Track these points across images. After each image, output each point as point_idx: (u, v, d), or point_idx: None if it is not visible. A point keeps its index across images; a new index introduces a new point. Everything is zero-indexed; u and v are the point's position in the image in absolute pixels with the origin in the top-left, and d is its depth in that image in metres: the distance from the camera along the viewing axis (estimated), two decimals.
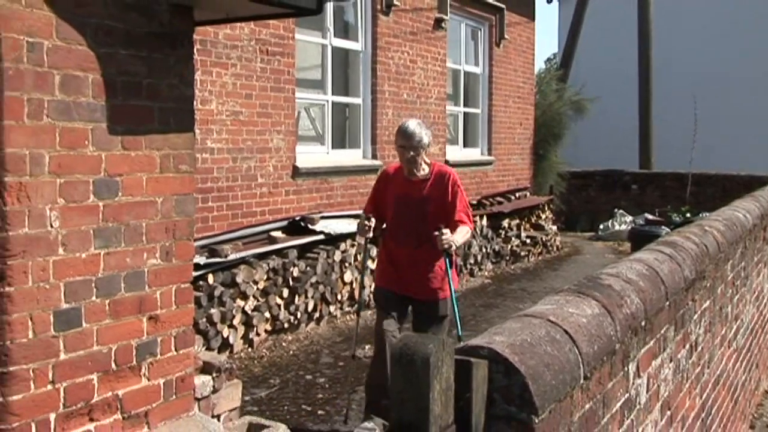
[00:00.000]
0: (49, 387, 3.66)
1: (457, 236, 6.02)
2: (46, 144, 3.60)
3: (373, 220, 6.20)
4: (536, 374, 2.04)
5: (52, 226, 3.64)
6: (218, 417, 4.99)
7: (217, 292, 8.04)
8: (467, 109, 15.36)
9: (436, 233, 5.86)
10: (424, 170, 6.23)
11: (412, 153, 6.08)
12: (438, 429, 1.86)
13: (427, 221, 6.06)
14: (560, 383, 2.14)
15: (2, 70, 3.41)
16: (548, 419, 2.09)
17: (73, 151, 3.71)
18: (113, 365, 3.95)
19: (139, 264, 4.05)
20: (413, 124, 6.19)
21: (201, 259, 7.71)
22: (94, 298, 3.84)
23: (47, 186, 3.61)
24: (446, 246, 5.89)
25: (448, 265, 6.14)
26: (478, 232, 13.24)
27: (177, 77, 4.21)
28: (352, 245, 10.12)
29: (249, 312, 8.50)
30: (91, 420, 3.87)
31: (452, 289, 6.16)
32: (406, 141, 6.09)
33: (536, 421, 2.01)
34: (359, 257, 10.21)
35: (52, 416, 3.69)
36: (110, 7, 3.85)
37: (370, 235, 6.31)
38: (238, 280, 8.29)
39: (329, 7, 10.67)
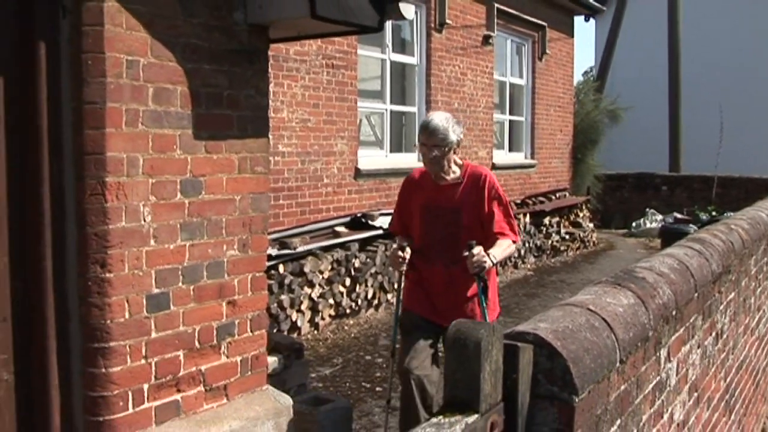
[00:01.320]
0: (143, 361, 3.74)
1: (495, 252, 4.53)
2: (141, 148, 3.67)
3: (408, 250, 4.72)
4: (577, 358, 2.04)
5: (145, 221, 3.71)
6: (288, 391, 5.03)
7: (287, 281, 8.09)
8: (512, 117, 15.27)
9: (466, 253, 4.46)
10: (454, 173, 4.74)
11: (435, 152, 4.59)
12: (487, 406, 1.87)
13: (460, 235, 4.61)
14: (598, 366, 2.15)
15: (105, 85, 3.49)
16: (587, 399, 2.09)
17: (164, 154, 3.78)
18: (197, 344, 4.02)
19: (220, 255, 4.11)
20: (438, 118, 4.69)
21: (273, 251, 7.77)
22: (180, 284, 3.90)
23: (141, 185, 3.68)
24: (476, 268, 4.46)
25: (480, 291, 4.63)
26: (522, 228, 13.17)
27: (254, 89, 4.25)
28: None
29: (315, 298, 8.54)
30: (178, 391, 3.93)
31: (486, 321, 4.29)
32: (427, 138, 4.61)
33: (576, 400, 2.01)
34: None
35: (146, 386, 3.76)
36: (197, 28, 3.91)
37: (404, 268, 4.83)
38: (306, 269, 8.33)
39: (388, 25, 10.68)
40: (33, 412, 3.61)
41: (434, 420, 1.84)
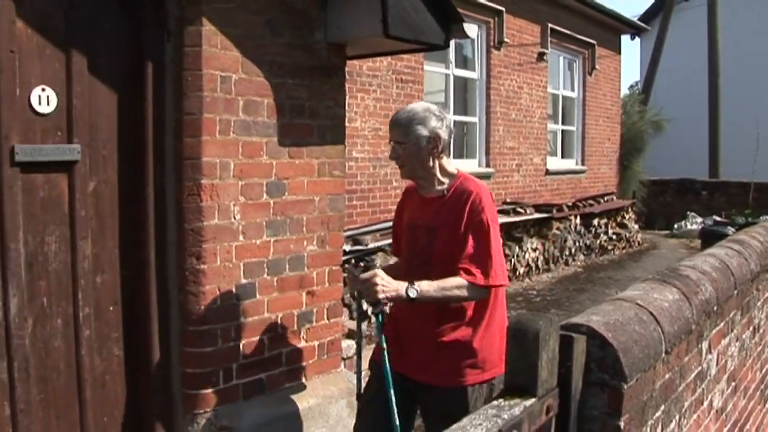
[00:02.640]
0: (232, 343, 3.80)
1: (425, 286, 2.98)
2: (232, 154, 3.72)
3: (382, 276, 3.01)
4: (626, 348, 2.02)
5: (234, 219, 3.76)
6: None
7: None
8: (564, 127, 15.10)
9: (356, 271, 3.21)
10: (441, 183, 3.22)
11: (399, 151, 3.22)
12: (544, 391, 1.87)
13: (432, 262, 3.14)
14: (645, 356, 2.12)
15: (202, 98, 3.56)
16: (635, 386, 2.07)
17: (252, 159, 3.82)
18: (279, 329, 4.06)
19: (300, 250, 4.14)
20: (407, 108, 3.28)
21: (346, 247, 7.81)
22: (265, 275, 3.95)
23: (232, 187, 3.73)
24: (368, 299, 3.06)
25: (377, 329, 3.28)
26: (573, 229, 13.02)
27: (332, 100, 4.28)
28: None
29: None
30: (263, 370, 3.98)
31: (385, 360, 3.08)
32: (390, 131, 3.30)
33: (625, 387, 2.00)
34: None
35: (234, 365, 3.82)
36: (282, 47, 3.95)
37: (382, 296, 2.98)
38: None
39: (452, 43, 10.67)
40: (138, 384, 3.69)
41: (495, 403, 1.84)
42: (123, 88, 3.55)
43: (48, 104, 3.24)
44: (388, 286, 2.98)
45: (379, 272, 3.03)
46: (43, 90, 3.23)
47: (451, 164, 3.28)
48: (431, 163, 3.21)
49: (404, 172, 3.31)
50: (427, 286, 2.98)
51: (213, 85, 3.61)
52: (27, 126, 3.17)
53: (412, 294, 2.96)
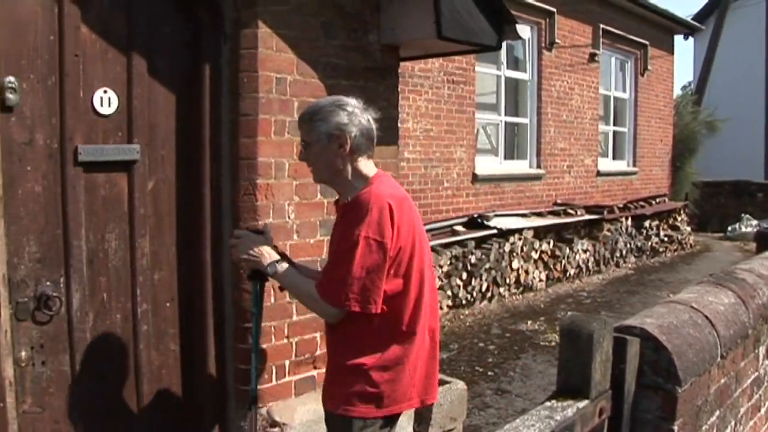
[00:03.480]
0: (285, 340, 3.82)
1: (288, 272, 2.84)
2: (287, 154, 3.74)
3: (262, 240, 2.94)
4: (680, 352, 2.00)
5: (289, 218, 3.78)
6: None
7: None
8: (616, 128, 14.91)
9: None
10: (354, 189, 2.74)
11: (303, 151, 2.85)
12: (597, 393, 1.85)
13: None
14: (700, 360, 2.09)
15: (258, 99, 3.59)
16: (689, 390, 2.04)
17: None
18: None
19: None
20: (315, 102, 2.91)
21: None
22: None
23: (286, 187, 3.75)
24: (233, 255, 2.99)
25: (253, 303, 3.14)
26: (624, 231, 12.85)
27: (385, 101, 4.27)
28: (520, 239, 10.03)
29: None
30: (315, 368, 3.99)
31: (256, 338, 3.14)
32: (299, 130, 2.88)
33: (679, 391, 1.97)
34: (525, 248, 10.12)
35: (287, 362, 3.84)
36: (336, 49, 3.96)
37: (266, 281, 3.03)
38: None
39: (504, 44, 10.64)
40: (193, 379, 3.73)
41: (547, 404, 1.83)
42: (181, 89, 3.60)
43: (110, 106, 3.31)
44: (256, 252, 2.87)
45: (258, 238, 2.94)
46: (105, 92, 3.30)
47: (370, 167, 2.80)
48: (340, 166, 2.74)
49: (314, 176, 2.96)
50: (288, 275, 2.85)
51: (268, 87, 3.64)
52: (90, 127, 3.24)
53: (270, 270, 2.85)
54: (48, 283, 3.13)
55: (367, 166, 2.79)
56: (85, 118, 3.23)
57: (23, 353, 3.09)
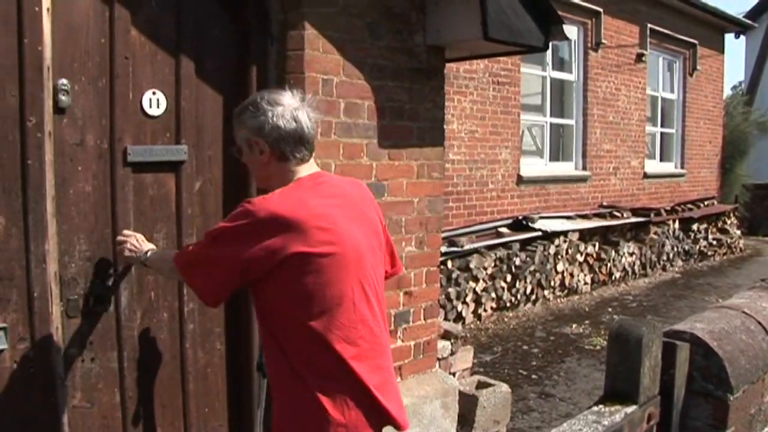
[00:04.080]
0: None
1: (152, 254, 2.87)
2: (333, 155, 3.77)
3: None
4: (732, 358, 1.97)
5: None
6: (454, 374, 5.04)
7: (454, 275, 8.13)
8: (663, 129, 14.71)
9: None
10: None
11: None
12: (645, 398, 1.84)
13: None
14: (753, 367, 2.06)
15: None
16: (742, 398, 2.01)
17: (352, 160, 3.86)
18: None
19: (399, 250, 4.12)
20: (249, 98, 2.61)
21: (442, 248, 7.82)
22: None
23: None
24: (119, 253, 3.03)
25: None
26: (671, 234, 12.68)
27: (431, 103, 4.28)
28: (565, 241, 9.96)
29: (479, 292, 8.53)
30: None
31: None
32: None
33: (731, 398, 1.94)
34: (570, 251, 10.05)
35: None
36: (382, 50, 3.98)
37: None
38: (471, 266, 8.33)
39: (550, 44, 10.58)
40: (238, 378, 3.77)
41: (595, 408, 1.82)
42: (228, 90, 3.63)
43: (158, 107, 3.36)
44: (136, 246, 2.91)
45: (142, 236, 2.96)
46: (154, 93, 3.35)
47: (306, 170, 2.52)
48: (269, 173, 2.52)
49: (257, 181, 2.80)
50: (156, 252, 2.88)
51: (315, 88, 3.66)
52: (138, 128, 3.29)
53: (142, 258, 2.86)
54: (97, 281, 3.19)
55: (301, 170, 2.51)
56: (134, 119, 3.28)
57: (73, 349, 3.16)
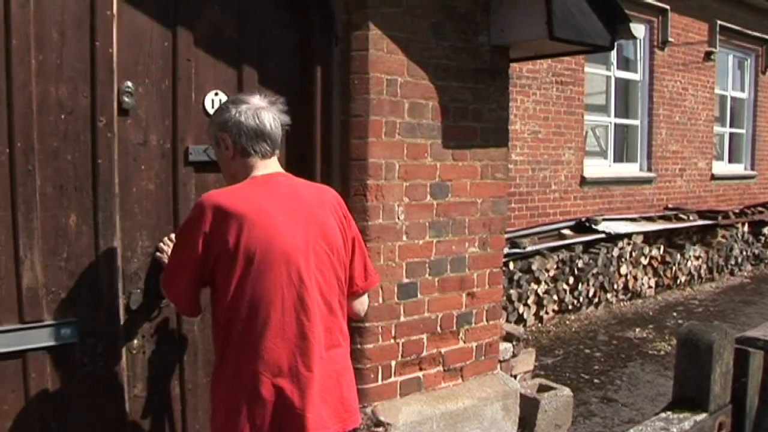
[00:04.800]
0: (392, 341, 3.87)
1: None
2: (397, 155, 3.79)
3: None
4: None
5: (398, 219, 3.83)
6: (515, 377, 5.03)
7: (515, 277, 8.08)
8: (732, 130, 14.38)
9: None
10: None
11: None
12: (716, 406, 1.81)
13: None
14: None
15: (369, 100, 3.65)
16: None
17: (416, 161, 3.88)
18: (438, 329, 4.10)
19: (462, 251, 4.17)
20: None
21: (504, 249, 7.80)
22: (427, 275, 4.00)
23: (396, 188, 3.80)
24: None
25: None
26: (740, 237, 12.40)
27: (495, 103, 4.27)
28: (628, 244, 9.82)
29: (540, 294, 8.47)
30: (421, 369, 4.04)
31: None
32: None
33: None
34: (634, 254, 9.92)
35: (393, 363, 3.90)
36: (446, 50, 3.99)
37: None
38: (533, 267, 8.28)
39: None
40: None
41: (663, 415, 1.80)
42: (291, 90, 3.69)
43: None
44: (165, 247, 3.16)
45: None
46: (216, 94, 3.43)
47: (258, 168, 2.60)
48: (233, 170, 2.63)
49: None
50: None
51: (379, 88, 3.70)
52: (200, 128, 3.36)
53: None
54: (159, 276, 3.28)
55: (260, 168, 2.60)
56: (196, 120, 3.37)
57: (135, 341, 3.27)
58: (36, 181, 2.89)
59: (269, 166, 2.61)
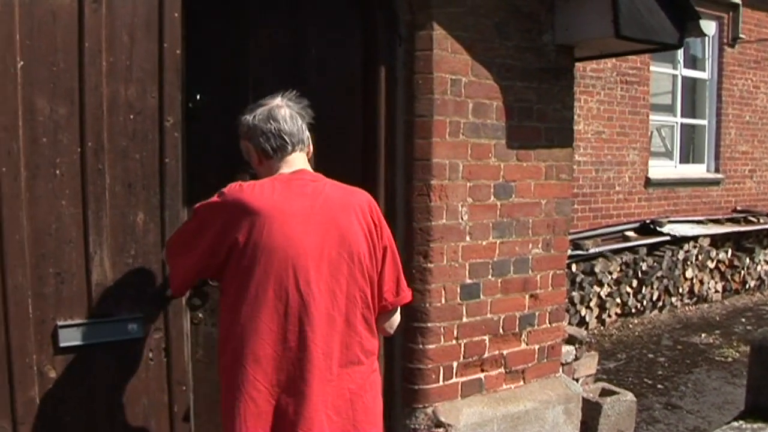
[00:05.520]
0: (454, 342, 3.87)
1: None
2: (461, 156, 3.79)
3: None
4: None
5: (462, 219, 3.83)
6: (577, 380, 4.98)
7: (578, 279, 8.01)
8: None
9: None
10: None
11: None
12: None
13: None
14: None
15: (433, 100, 3.66)
16: None
17: (480, 161, 3.88)
18: (500, 330, 4.08)
19: (525, 252, 4.15)
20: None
21: (567, 251, 7.73)
22: (490, 276, 3.99)
23: (460, 188, 3.80)
24: None
25: None
26: None
27: (560, 103, 4.24)
28: (695, 246, 9.65)
29: (603, 297, 8.38)
30: (482, 370, 4.03)
31: None
32: None
33: None
34: (700, 257, 9.74)
35: (455, 364, 3.90)
36: (510, 50, 3.97)
37: None
38: (596, 270, 8.19)
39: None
40: None
41: (735, 424, 1.78)
42: (356, 91, 3.74)
43: None
44: None
45: None
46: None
47: (282, 167, 2.57)
48: (263, 173, 2.61)
49: None
50: None
51: (443, 88, 3.70)
52: None
53: None
54: None
55: (284, 167, 2.57)
56: None
57: (198, 313, 3.36)
58: (106, 179, 2.96)
59: (294, 163, 2.56)
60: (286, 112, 2.54)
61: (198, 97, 3.31)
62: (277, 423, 2.37)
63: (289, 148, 2.54)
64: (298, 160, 2.58)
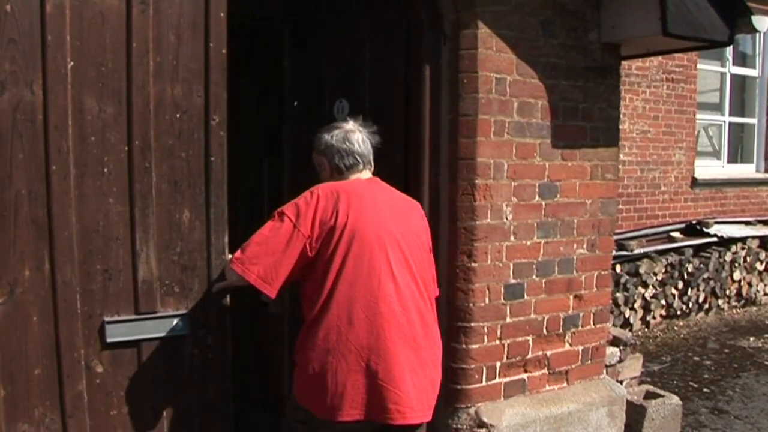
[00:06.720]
0: (497, 342, 3.87)
1: None
2: (506, 155, 3.79)
3: None
4: None
5: (506, 219, 3.82)
6: (621, 382, 4.93)
7: (622, 280, 7.92)
8: None
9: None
10: None
11: None
12: None
13: None
14: None
15: (477, 99, 3.66)
16: None
17: (525, 161, 3.86)
18: (544, 331, 4.07)
19: (570, 252, 4.12)
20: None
21: (612, 252, 7.66)
22: (534, 276, 3.97)
23: (504, 188, 3.79)
24: None
25: None
26: None
27: (605, 102, 4.20)
28: (743, 248, 9.49)
29: (648, 298, 8.28)
30: (525, 371, 4.02)
31: None
32: None
33: None
34: (748, 259, 9.58)
35: (498, 364, 3.89)
36: (555, 48, 3.95)
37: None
38: (641, 271, 8.10)
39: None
40: None
41: None
42: (400, 89, 3.74)
43: (343, 112, 3.57)
44: None
45: None
46: (340, 102, 3.53)
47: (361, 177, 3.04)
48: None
49: None
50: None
51: (488, 87, 3.69)
52: None
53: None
54: None
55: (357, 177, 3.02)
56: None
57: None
58: (152, 177, 3.00)
59: (366, 175, 3.04)
60: (359, 136, 3.00)
61: (295, 103, 3.46)
62: (366, 380, 2.75)
63: (360, 167, 3.01)
64: (365, 177, 3.03)
